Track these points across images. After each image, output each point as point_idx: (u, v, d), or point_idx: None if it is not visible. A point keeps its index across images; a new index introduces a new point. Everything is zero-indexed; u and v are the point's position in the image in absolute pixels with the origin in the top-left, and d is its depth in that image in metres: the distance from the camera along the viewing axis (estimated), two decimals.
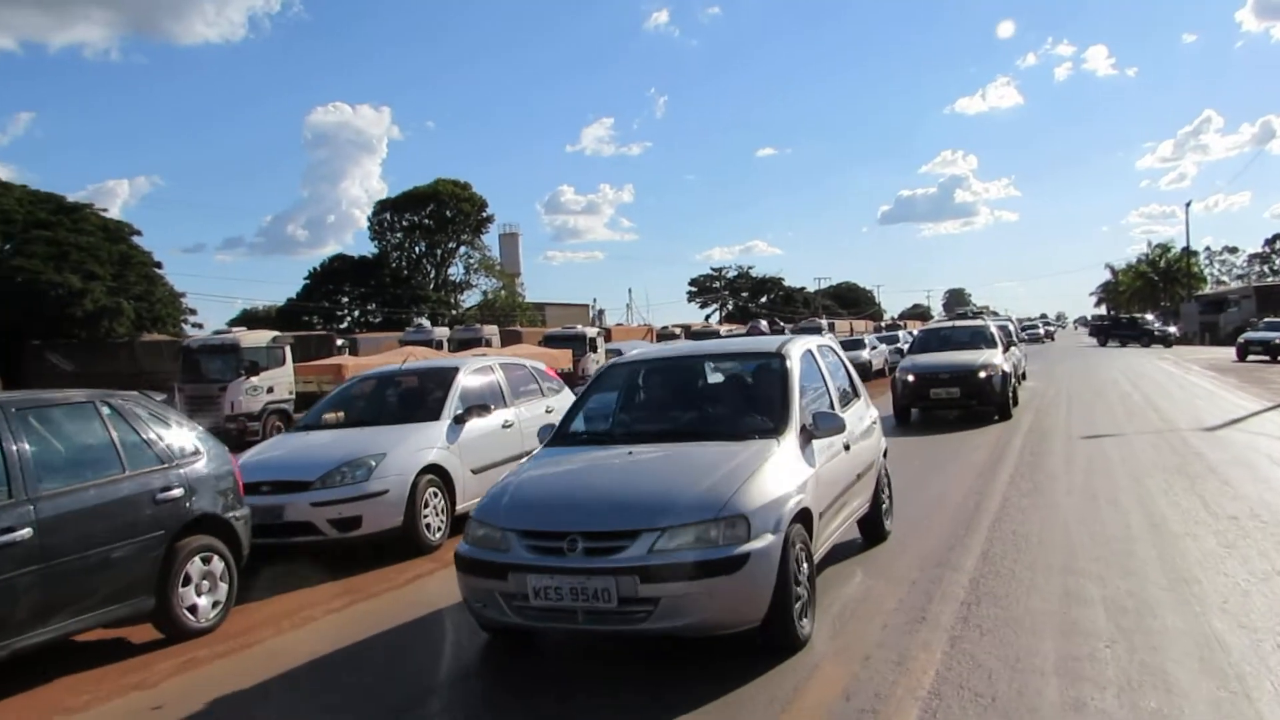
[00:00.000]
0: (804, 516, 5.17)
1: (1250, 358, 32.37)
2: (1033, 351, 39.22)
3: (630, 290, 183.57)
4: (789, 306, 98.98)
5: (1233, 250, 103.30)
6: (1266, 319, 40.02)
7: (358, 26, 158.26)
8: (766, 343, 7.04)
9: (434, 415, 8.68)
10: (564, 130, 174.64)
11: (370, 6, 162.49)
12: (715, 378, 6.94)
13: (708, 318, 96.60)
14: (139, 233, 45.17)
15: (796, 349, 6.45)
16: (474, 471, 8.62)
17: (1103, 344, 52.86)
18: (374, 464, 7.78)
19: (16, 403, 5.43)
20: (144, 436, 5.93)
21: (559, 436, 6.23)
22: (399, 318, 58.97)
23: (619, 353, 14.65)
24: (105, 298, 39.27)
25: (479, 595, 4.98)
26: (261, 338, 23.97)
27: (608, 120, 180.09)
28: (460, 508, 8.33)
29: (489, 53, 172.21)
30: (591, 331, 39.20)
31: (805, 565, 5.07)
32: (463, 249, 71.60)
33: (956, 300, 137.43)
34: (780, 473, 5.17)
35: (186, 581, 5.91)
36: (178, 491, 5.92)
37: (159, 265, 46.33)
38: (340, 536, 7.58)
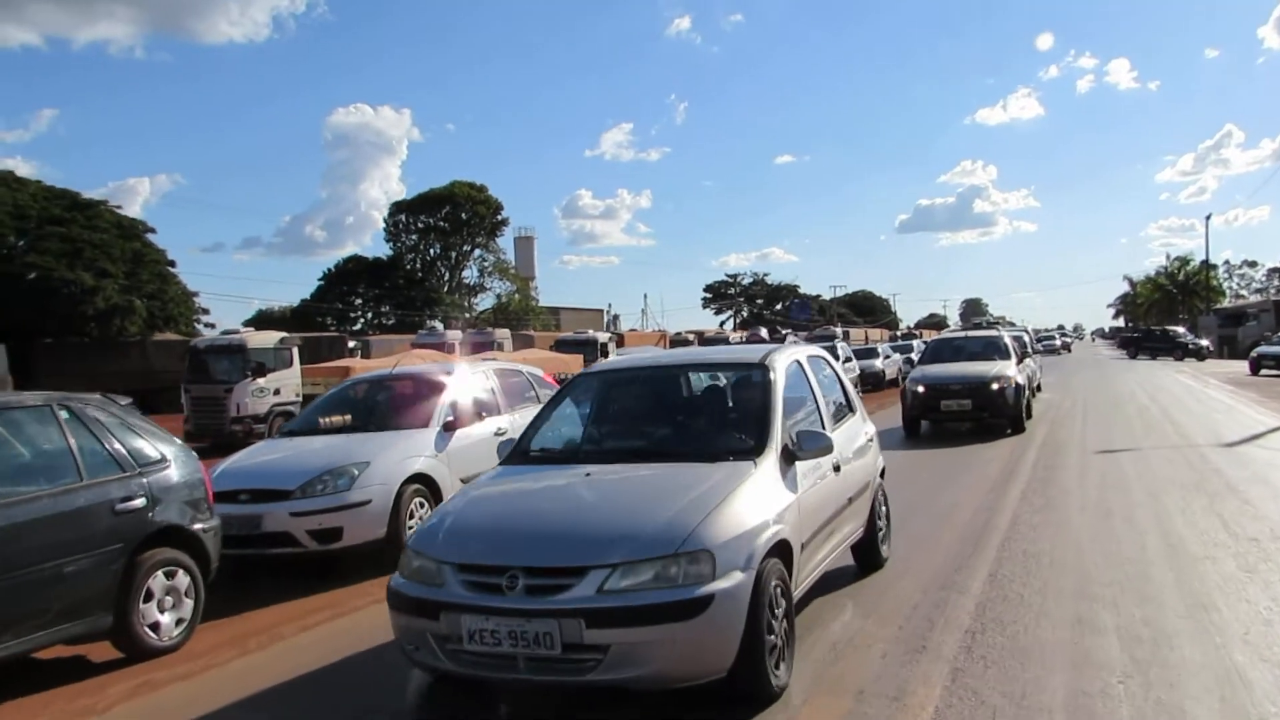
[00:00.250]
0: (781, 549, 4.62)
1: (1263, 372, 31.95)
2: (1049, 363, 38.73)
3: (646, 296, 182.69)
4: (804, 313, 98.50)
5: (1252, 264, 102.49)
6: None
7: (380, 28, 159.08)
8: (749, 352, 6.35)
9: (423, 422, 8.40)
10: (583, 135, 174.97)
11: (393, 8, 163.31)
12: (692, 390, 6.37)
13: (722, 324, 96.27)
14: (153, 230, 45.17)
15: (781, 359, 5.88)
16: (463, 481, 8.30)
17: (1133, 356, 51.08)
18: (356, 473, 7.50)
19: None
20: (104, 443, 5.62)
21: (516, 454, 5.65)
22: (412, 320, 58.94)
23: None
24: (117, 296, 39.20)
25: (410, 637, 4.41)
26: (269, 339, 23.84)
27: (627, 125, 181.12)
28: None
29: (510, 57, 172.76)
30: (603, 337, 38.98)
31: (782, 605, 4.51)
32: (477, 252, 71.58)
33: (973, 310, 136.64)
34: (755, 500, 4.62)
35: (148, 597, 5.58)
36: (139, 502, 5.61)
37: (172, 264, 46.33)
38: (320, 548, 7.29)
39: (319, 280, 67.05)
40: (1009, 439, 14.52)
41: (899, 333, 79.87)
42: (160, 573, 5.69)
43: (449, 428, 8.42)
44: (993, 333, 19.25)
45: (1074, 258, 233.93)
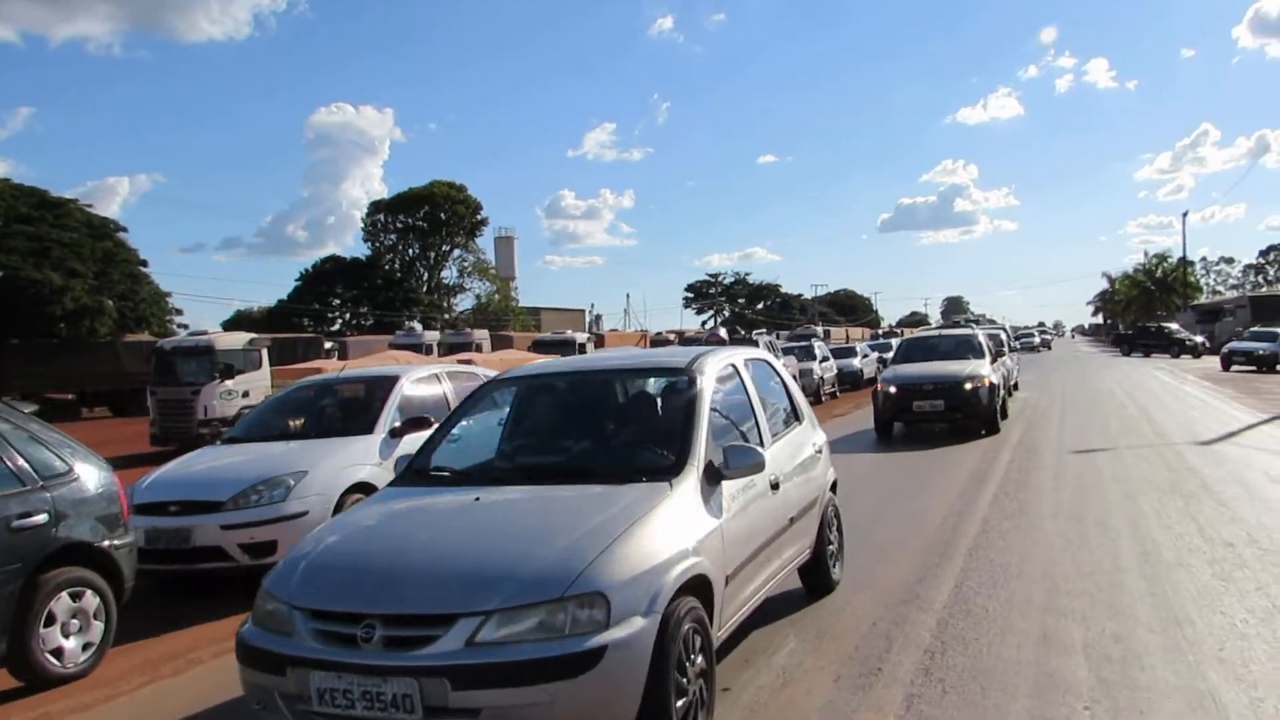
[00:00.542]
0: (698, 586, 3.99)
1: (1234, 368, 32.20)
2: (1027, 361, 38.63)
3: (628, 296, 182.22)
4: (786, 313, 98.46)
5: (1229, 261, 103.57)
6: (1252, 329, 39.57)
7: (363, 27, 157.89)
8: (676, 356, 5.68)
9: (367, 428, 8.01)
10: (566, 135, 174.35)
11: (375, 7, 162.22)
12: (612, 400, 5.66)
13: (704, 324, 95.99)
14: (124, 229, 44.52)
15: (712, 365, 5.24)
16: None
17: (1126, 354, 49.11)
18: (293, 482, 7.11)
19: None
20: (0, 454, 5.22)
21: (410, 473, 5.02)
22: (391, 321, 58.37)
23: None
24: (86, 296, 38.55)
25: (257, 694, 3.79)
26: (238, 340, 23.41)
27: (610, 125, 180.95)
28: None
29: (492, 57, 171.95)
30: (581, 337, 38.58)
31: (699, 652, 3.89)
32: (456, 252, 71.08)
33: (954, 308, 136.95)
34: (666, 528, 3.99)
35: (50, 621, 5.17)
36: (41, 518, 5.19)
37: (144, 263, 45.70)
38: (253, 563, 6.86)
39: (296, 281, 66.43)
40: (984, 440, 14.23)
41: (880, 331, 79.95)
42: (65, 594, 5.29)
43: (396, 434, 8.03)
44: (966, 331, 18.89)
45: (1054, 256, 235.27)
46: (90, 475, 5.65)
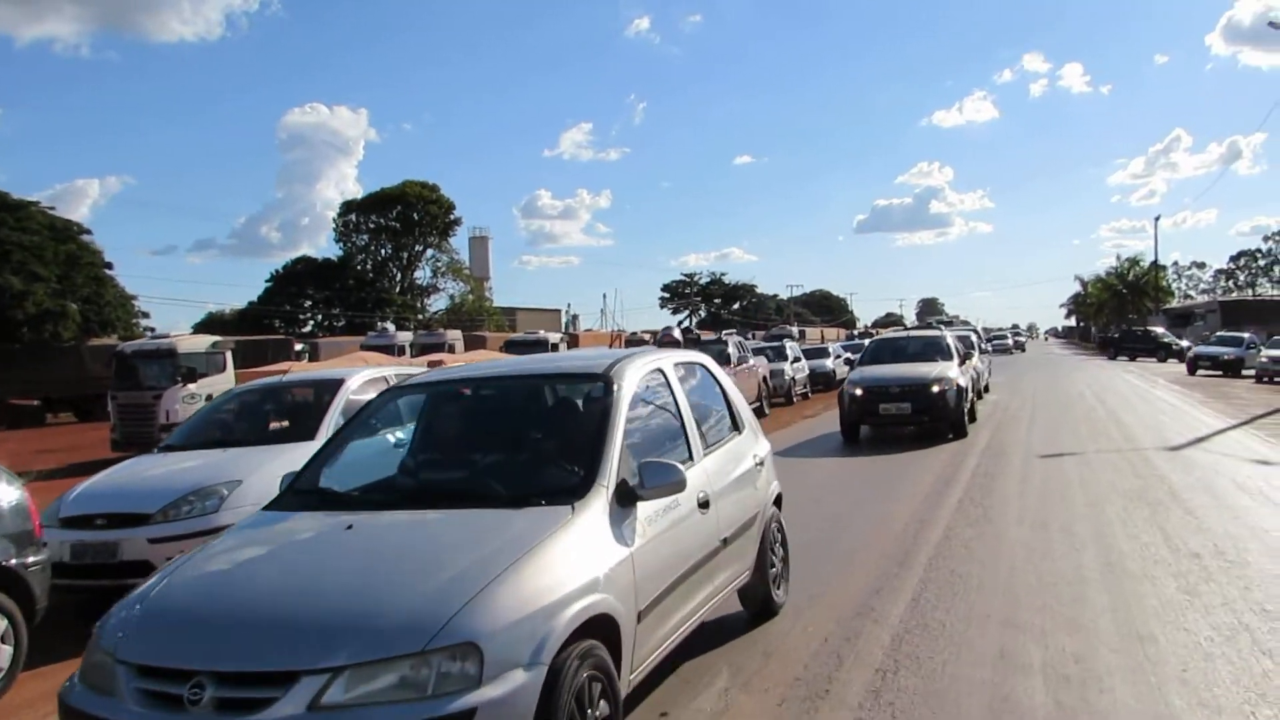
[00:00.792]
0: (600, 627, 3.49)
1: (1200, 372, 32.42)
2: (999, 363, 38.68)
3: (605, 296, 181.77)
4: (761, 313, 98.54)
5: (1200, 266, 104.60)
6: (1218, 334, 39.89)
7: (336, 27, 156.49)
8: (592, 361, 5.07)
9: (309, 434, 7.69)
10: (542, 135, 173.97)
11: (348, 7, 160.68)
12: (519, 411, 5.15)
13: (680, 323, 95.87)
14: (88, 232, 43.93)
15: (635, 370, 4.71)
16: None
17: (1112, 358, 47.61)
18: (226, 493, 6.79)
19: None
20: None
21: (288, 494, 4.46)
22: (363, 322, 57.79)
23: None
24: (49, 300, 37.91)
25: None
26: (200, 342, 23.00)
27: (586, 125, 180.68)
28: None
29: (468, 57, 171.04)
30: (554, 337, 38.32)
31: (600, 702, 3.41)
32: (430, 252, 70.61)
33: (929, 309, 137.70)
34: (564, 560, 3.49)
35: None
36: None
37: (109, 266, 45.06)
38: None
39: (266, 282, 65.73)
40: (952, 443, 14.05)
41: (856, 332, 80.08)
42: None
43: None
44: (934, 333, 18.72)
45: (1028, 258, 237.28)
46: None
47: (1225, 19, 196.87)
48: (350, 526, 3.85)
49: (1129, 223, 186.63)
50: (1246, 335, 35.69)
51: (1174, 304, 76.89)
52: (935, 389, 14.44)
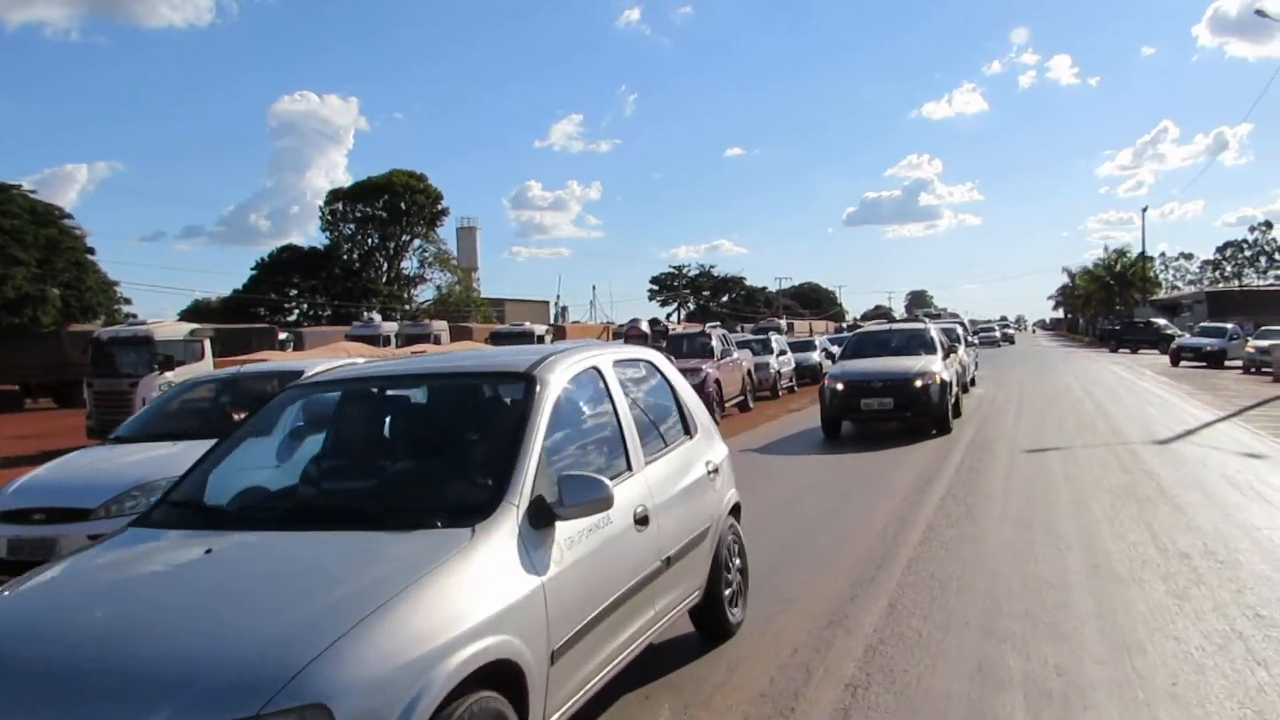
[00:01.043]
0: (498, 676, 2.96)
1: (1183, 364, 32.43)
2: (987, 355, 38.51)
3: (594, 287, 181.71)
4: (750, 306, 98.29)
5: (1188, 256, 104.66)
6: (1201, 325, 39.81)
7: (328, 15, 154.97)
8: (516, 359, 4.48)
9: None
10: (533, 126, 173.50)
11: None
12: (430, 414, 4.63)
13: (669, 316, 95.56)
14: (70, 216, 43.52)
15: (564, 368, 4.17)
16: None
17: (1113, 350, 46.85)
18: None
19: None
20: None
21: (161, 507, 3.93)
22: (349, 311, 57.34)
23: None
24: (29, 284, 37.44)
25: None
26: (178, 330, 22.71)
27: (577, 116, 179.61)
28: None
29: (459, 46, 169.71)
30: (540, 329, 37.96)
31: None
32: (417, 242, 70.05)
33: (918, 302, 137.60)
34: (455, 596, 2.94)
35: None
36: None
37: (91, 251, 44.60)
38: None
39: (252, 270, 65.17)
40: (936, 439, 13.75)
41: (844, 325, 79.89)
42: None
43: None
44: (918, 325, 18.41)
45: (1017, 250, 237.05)
46: None
47: (1212, 10, 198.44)
48: (209, 550, 3.31)
49: (1117, 214, 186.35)
50: (1230, 326, 35.64)
51: (1161, 295, 76.93)
52: (918, 384, 14.05)
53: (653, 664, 4.71)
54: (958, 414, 15.81)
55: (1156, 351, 43.00)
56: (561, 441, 3.94)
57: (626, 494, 3.97)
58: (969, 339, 27.77)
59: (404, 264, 70.35)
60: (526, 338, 32.66)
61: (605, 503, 3.57)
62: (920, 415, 14.26)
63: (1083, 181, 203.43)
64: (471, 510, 3.33)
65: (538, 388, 3.92)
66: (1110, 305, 75.35)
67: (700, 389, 18.44)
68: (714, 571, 5.01)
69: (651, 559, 4.18)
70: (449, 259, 72.17)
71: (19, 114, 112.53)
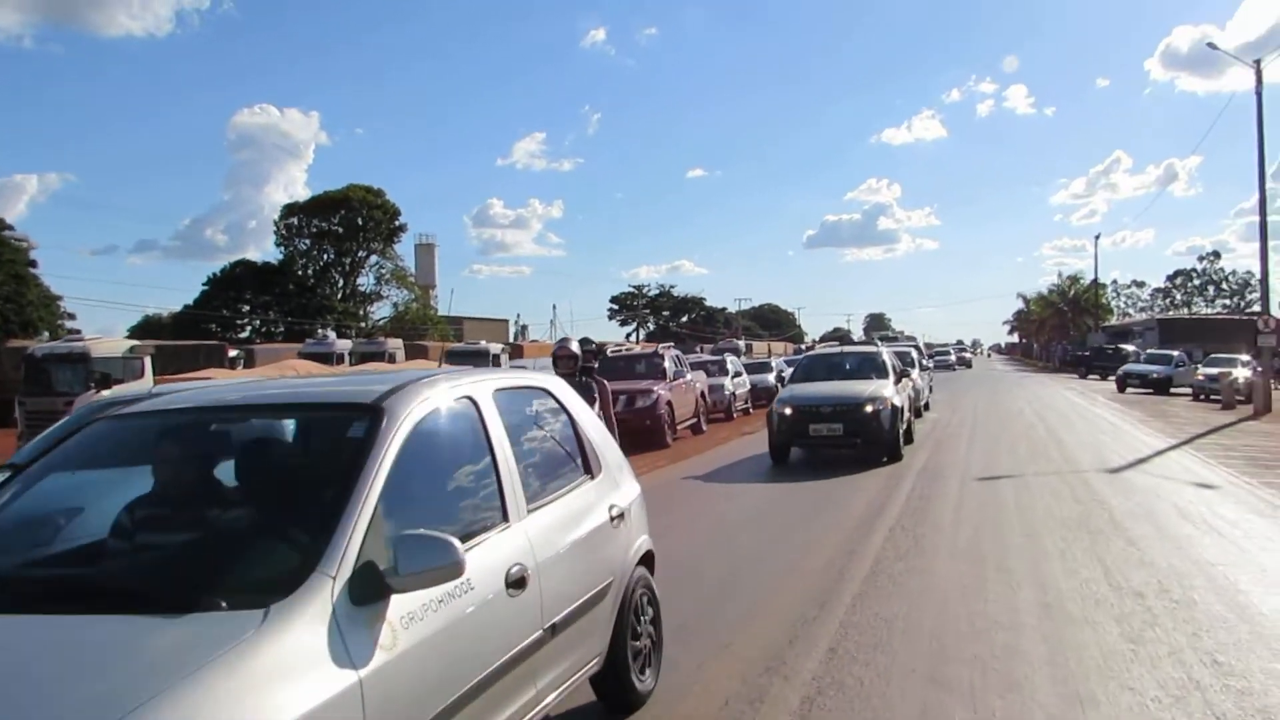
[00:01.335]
0: None
1: (1129, 390, 32.74)
2: (942, 379, 38.62)
3: (555, 307, 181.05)
4: (710, 326, 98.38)
5: (1140, 284, 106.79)
6: (1149, 352, 40.28)
7: (289, 29, 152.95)
8: (364, 387, 3.58)
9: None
10: (495, 143, 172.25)
11: (303, 9, 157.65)
12: (254, 454, 3.70)
13: (628, 336, 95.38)
14: (10, 227, 42.43)
15: (422, 401, 3.43)
16: None
17: (1083, 377, 46.15)
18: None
19: None
20: None
21: None
22: (303, 328, 56.37)
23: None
24: None
25: None
26: (116, 347, 22.11)
27: (540, 135, 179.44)
28: None
29: (422, 63, 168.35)
30: (496, 348, 37.52)
31: None
32: (373, 258, 69.12)
33: (876, 325, 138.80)
34: (224, 710, 2.17)
35: None
36: None
37: (33, 264, 43.42)
38: None
39: (204, 285, 63.90)
40: (888, 466, 13.49)
41: (803, 346, 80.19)
42: None
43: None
44: (871, 349, 18.17)
45: (973, 275, 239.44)
46: None
47: (1164, 45, 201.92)
48: None
49: (1070, 241, 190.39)
50: (1175, 354, 36.07)
51: (1113, 321, 78.18)
52: (868, 409, 13.72)
53: (581, 706, 4.32)
54: (910, 440, 15.57)
55: (1097, 377, 43.25)
56: (415, 490, 3.24)
57: (497, 552, 3.37)
58: (924, 363, 27.74)
59: (360, 280, 69.45)
60: (482, 356, 32.18)
61: (452, 571, 2.82)
62: (870, 442, 13.87)
63: (1038, 209, 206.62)
64: (269, 585, 2.58)
65: (384, 423, 3.18)
66: (1064, 331, 76.35)
67: (652, 411, 18.20)
68: (617, 633, 4.30)
69: (530, 628, 3.47)
70: (406, 276, 71.35)
71: None
